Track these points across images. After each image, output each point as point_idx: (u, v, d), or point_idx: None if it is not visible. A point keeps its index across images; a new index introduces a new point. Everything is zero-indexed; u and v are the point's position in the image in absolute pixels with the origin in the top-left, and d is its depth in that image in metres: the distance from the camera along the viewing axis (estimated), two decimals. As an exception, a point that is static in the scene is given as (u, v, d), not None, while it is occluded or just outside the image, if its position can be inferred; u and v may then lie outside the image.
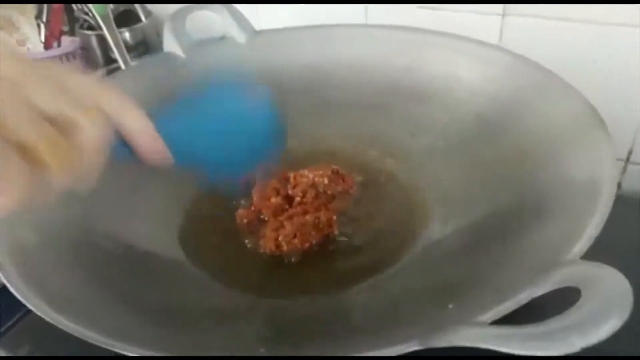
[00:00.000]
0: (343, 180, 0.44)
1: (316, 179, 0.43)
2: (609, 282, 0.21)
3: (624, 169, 0.55)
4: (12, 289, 0.27)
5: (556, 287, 0.23)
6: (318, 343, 0.24)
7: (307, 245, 0.39)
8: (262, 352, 0.24)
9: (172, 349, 0.24)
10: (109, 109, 0.23)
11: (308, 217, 0.39)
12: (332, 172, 0.44)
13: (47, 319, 0.25)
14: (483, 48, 0.45)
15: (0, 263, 0.28)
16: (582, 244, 0.26)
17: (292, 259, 0.38)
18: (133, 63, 0.63)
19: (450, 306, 0.27)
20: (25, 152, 0.20)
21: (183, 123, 0.27)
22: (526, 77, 0.41)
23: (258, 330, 0.31)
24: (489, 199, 0.37)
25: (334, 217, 0.40)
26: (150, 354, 0.23)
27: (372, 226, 0.41)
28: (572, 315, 0.20)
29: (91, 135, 0.22)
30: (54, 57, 0.66)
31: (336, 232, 0.39)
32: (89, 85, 0.23)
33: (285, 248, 0.38)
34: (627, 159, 0.54)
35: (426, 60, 0.48)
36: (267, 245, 0.39)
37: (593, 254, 0.25)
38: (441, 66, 0.47)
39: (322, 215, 0.39)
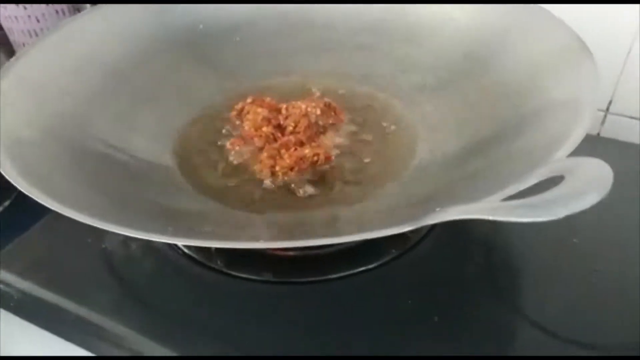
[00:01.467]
0: (335, 113, 0.45)
1: (309, 109, 0.43)
2: (591, 166, 0.22)
3: (604, 119, 0.56)
4: (7, 177, 0.28)
5: (541, 178, 0.24)
6: (318, 235, 0.25)
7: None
8: (261, 242, 0.25)
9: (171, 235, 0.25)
10: None
11: (307, 152, 0.39)
12: (324, 104, 0.45)
13: (37, 199, 0.26)
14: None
15: None
16: (566, 149, 0.27)
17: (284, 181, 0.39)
18: None
19: (437, 209, 0.28)
20: None
21: None
22: (514, 12, 0.42)
23: (256, 234, 0.32)
24: (476, 125, 0.39)
25: (332, 156, 0.41)
26: (143, 235, 0.24)
27: (364, 156, 0.42)
28: (557, 191, 0.21)
29: None
30: (30, 16, 0.65)
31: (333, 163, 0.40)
32: None
33: (280, 177, 0.39)
34: (607, 109, 0.56)
35: (417, -1, 0.48)
36: (262, 170, 0.40)
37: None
38: (429, 5, 0.48)
39: (322, 153, 0.40)
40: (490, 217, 0.21)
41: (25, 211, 0.45)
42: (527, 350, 0.32)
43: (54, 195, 0.27)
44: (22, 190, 0.27)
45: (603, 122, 0.57)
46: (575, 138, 0.28)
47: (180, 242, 0.23)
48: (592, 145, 0.50)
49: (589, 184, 0.21)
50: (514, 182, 0.25)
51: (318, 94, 0.47)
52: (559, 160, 0.26)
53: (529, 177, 0.25)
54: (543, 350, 0.32)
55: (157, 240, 0.23)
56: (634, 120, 0.55)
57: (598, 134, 0.57)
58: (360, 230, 0.23)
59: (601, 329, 0.33)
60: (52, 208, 0.26)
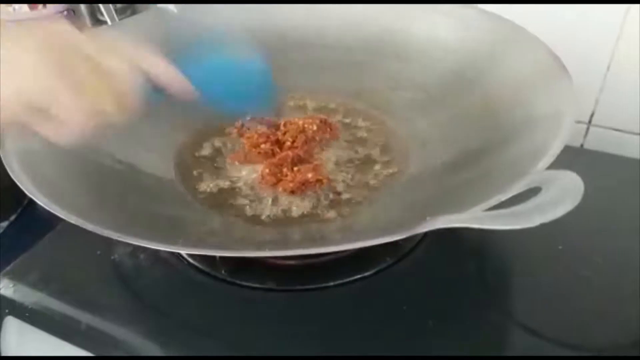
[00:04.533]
0: (330, 129, 0.47)
1: (305, 125, 0.46)
2: (564, 178, 0.24)
3: (587, 131, 0.59)
4: (19, 184, 0.30)
5: (522, 189, 0.26)
6: (316, 245, 0.27)
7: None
8: (266, 250, 0.27)
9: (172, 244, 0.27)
10: (144, 62, 0.30)
11: (310, 176, 0.41)
12: (320, 120, 0.47)
13: (47, 207, 0.29)
14: (459, 8, 0.49)
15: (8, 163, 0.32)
16: (545, 161, 0.30)
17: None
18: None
19: (427, 218, 0.30)
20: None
21: (196, 69, 0.33)
22: (498, 33, 0.45)
23: (257, 245, 0.34)
24: (463, 140, 0.41)
25: (332, 180, 0.42)
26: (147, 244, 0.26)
27: (359, 170, 0.44)
28: (534, 201, 0.23)
29: (127, 80, 0.28)
30: (38, 18, 0.67)
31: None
32: (127, 46, 0.30)
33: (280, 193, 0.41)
34: (589, 122, 0.58)
35: (406, 20, 0.51)
36: (263, 186, 0.42)
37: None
38: (421, 25, 0.50)
39: (324, 179, 0.41)
40: (474, 225, 0.23)
41: (32, 224, 0.47)
42: (517, 351, 0.34)
43: (71, 208, 0.29)
44: (42, 204, 0.29)
45: (586, 134, 0.59)
46: (553, 151, 0.30)
47: (194, 252, 0.25)
48: (576, 157, 0.53)
49: (562, 195, 0.23)
50: (497, 193, 0.27)
51: (335, 108, 0.50)
52: (538, 172, 0.28)
53: (510, 188, 0.27)
54: (532, 351, 0.34)
55: (170, 250, 0.25)
56: (615, 132, 0.57)
57: (582, 146, 0.59)
58: (355, 239, 0.25)
59: (587, 330, 0.35)
60: (74, 222, 0.28)
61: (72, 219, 0.28)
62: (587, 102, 0.57)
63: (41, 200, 0.29)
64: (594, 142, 0.58)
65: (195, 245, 0.27)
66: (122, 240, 0.28)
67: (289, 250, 0.27)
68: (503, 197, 0.27)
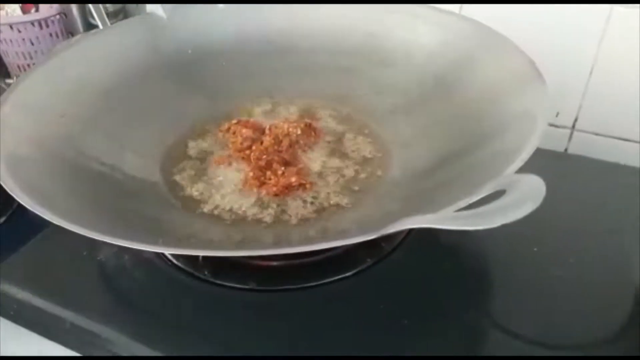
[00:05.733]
0: (314, 133, 0.48)
1: (290, 129, 0.47)
2: (528, 181, 0.25)
3: (570, 136, 0.60)
4: (5, 187, 0.31)
5: (490, 192, 0.27)
6: (293, 245, 0.28)
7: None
8: (245, 250, 0.28)
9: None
10: None
11: (293, 180, 0.42)
12: (305, 124, 0.48)
13: (31, 209, 0.30)
14: (441, 15, 0.50)
15: None
16: (515, 165, 0.31)
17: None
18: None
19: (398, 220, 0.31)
20: None
21: None
22: (478, 40, 0.46)
23: (238, 244, 0.35)
24: (443, 143, 0.42)
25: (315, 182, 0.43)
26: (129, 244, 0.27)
27: (342, 174, 0.45)
28: (497, 203, 0.24)
29: None
30: (31, 21, 0.68)
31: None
32: None
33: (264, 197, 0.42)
34: (573, 127, 0.59)
35: (389, 26, 0.52)
36: (247, 190, 0.42)
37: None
38: (403, 32, 0.51)
39: (307, 183, 0.42)
40: (439, 226, 0.24)
41: (21, 226, 0.48)
42: (494, 351, 0.35)
43: (55, 210, 0.30)
44: (26, 206, 0.30)
45: (570, 139, 0.60)
46: (523, 155, 0.31)
47: (174, 252, 0.25)
48: (560, 161, 0.54)
49: (524, 198, 0.24)
50: (467, 195, 0.28)
51: (319, 112, 0.51)
52: (506, 175, 0.29)
53: (479, 191, 0.28)
54: (509, 351, 0.34)
55: (151, 250, 0.26)
56: (598, 137, 0.58)
57: (566, 150, 0.60)
58: (327, 239, 0.26)
59: (561, 330, 0.36)
60: (57, 223, 0.29)
61: (55, 220, 0.29)
62: (571, 107, 0.58)
63: (26, 202, 0.30)
64: (577, 147, 0.59)
65: (175, 245, 0.28)
66: (105, 241, 0.29)
67: (267, 250, 0.28)
68: (472, 199, 0.28)
